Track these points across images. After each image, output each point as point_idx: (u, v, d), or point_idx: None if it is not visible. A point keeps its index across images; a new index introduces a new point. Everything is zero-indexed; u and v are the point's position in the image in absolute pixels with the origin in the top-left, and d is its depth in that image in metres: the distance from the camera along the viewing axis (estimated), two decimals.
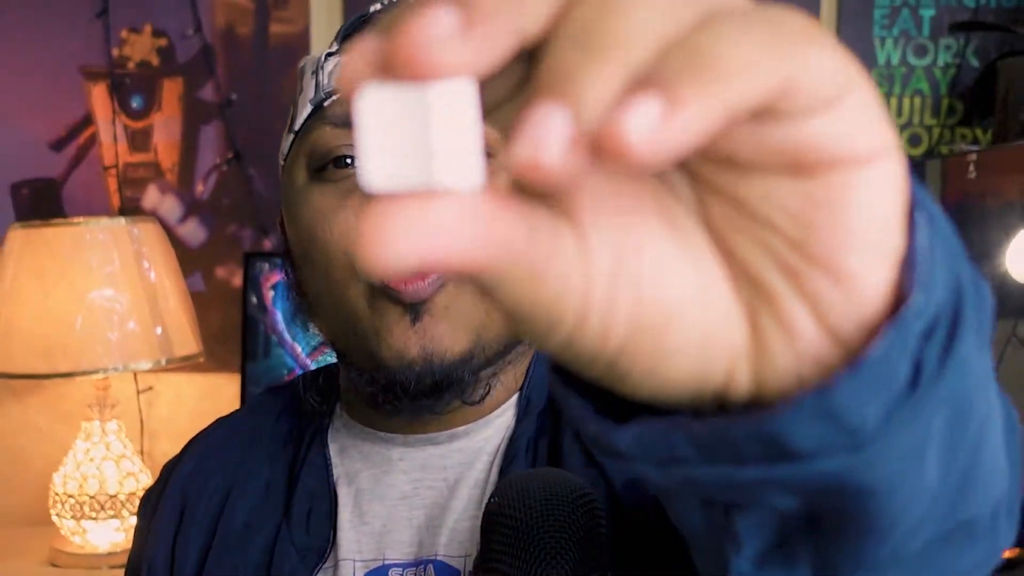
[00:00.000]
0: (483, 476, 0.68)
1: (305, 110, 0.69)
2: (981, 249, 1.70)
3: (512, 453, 0.68)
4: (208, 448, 0.77)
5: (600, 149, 0.21)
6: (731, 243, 0.27)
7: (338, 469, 0.72)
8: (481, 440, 0.70)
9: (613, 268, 0.25)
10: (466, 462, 0.69)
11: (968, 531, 0.32)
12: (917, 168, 1.84)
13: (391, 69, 0.22)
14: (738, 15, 0.23)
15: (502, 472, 0.67)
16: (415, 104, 0.22)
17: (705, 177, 0.26)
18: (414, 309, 0.65)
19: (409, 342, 0.65)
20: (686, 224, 0.27)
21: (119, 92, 1.75)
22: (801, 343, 0.27)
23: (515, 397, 0.71)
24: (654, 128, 0.21)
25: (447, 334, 0.65)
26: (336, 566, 0.68)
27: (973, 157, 1.69)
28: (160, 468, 0.81)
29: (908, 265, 0.26)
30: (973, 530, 0.33)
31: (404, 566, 0.67)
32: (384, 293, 0.65)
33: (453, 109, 0.22)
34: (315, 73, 0.70)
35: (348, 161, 0.67)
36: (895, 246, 0.26)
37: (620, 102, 0.21)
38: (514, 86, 0.26)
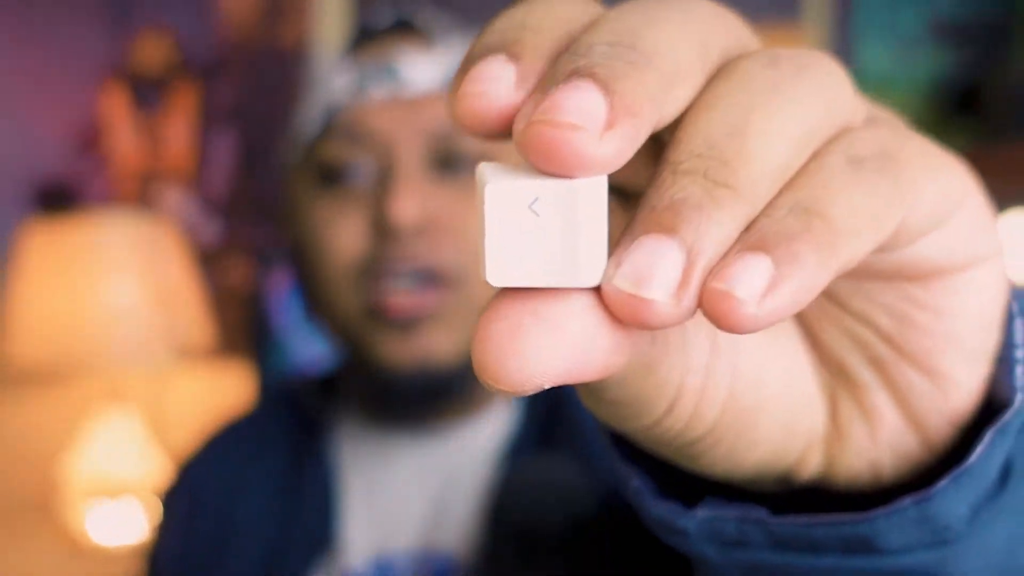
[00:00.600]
0: (483, 471, 0.68)
1: (314, 118, 0.69)
2: None
3: (510, 451, 0.68)
4: (217, 446, 0.78)
5: (703, 305, 0.19)
6: (818, 330, 0.26)
7: (344, 463, 0.72)
8: (481, 437, 0.70)
9: (711, 359, 0.24)
10: (466, 457, 0.70)
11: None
12: None
13: (524, 152, 0.19)
14: (857, 148, 0.21)
15: (501, 469, 0.67)
16: (548, 197, 0.19)
17: None
18: (409, 324, 0.64)
19: (402, 353, 0.65)
20: None
21: (135, 94, 1.76)
22: (882, 432, 0.26)
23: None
24: (762, 292, 0.19)
25: (441, 343, 0.65)
26: (341, 555, 0.68)
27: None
28: (173, 459, 0.81)
29: (1003, 360, 0.25)
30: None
31: (406, 556, 0.68)
32: (378, 312, 0.65)
33: (586, 204, 0.19)
34: (324, 83, 0.69)
35: (351, 174, 0.66)
36: (994, 346, 0.25)
37: (727, 259, 0.19)
38: None
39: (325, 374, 0.80)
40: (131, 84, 1.76)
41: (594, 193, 0.19)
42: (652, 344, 0.21)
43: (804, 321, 0.26)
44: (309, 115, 0.70)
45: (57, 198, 1.76)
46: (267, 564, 0.68)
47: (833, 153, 0.21)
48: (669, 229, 0.19)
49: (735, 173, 0.19)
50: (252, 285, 1.74)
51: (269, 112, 1.77)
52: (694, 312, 0.19)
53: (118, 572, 1.53)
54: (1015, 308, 0.25)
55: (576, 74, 0.19)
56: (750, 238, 0.19)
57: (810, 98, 0.21)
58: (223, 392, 1.75)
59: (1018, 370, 0.25)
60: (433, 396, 0.67)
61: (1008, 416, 0.24)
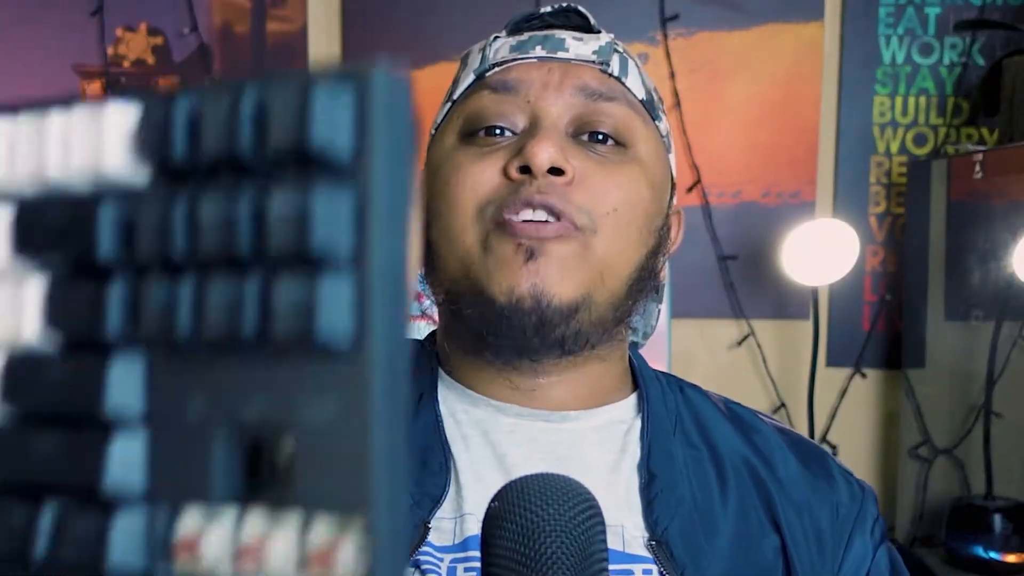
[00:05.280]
0: (591, 459, 0.64)
1: (467, 79, 0.67)
2: (987, 250, 1.37)
3: (627, 446, 0.65)
4: None
5: None
6: None
7: (451, 430, 0.66)
8: (589, 427, 0.66)
9: None
10: (572, 443, 0.65)
11: None
12: (923, 168, 1.49)
13: None
14: None
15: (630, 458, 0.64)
16: None
17: None
18: (529, 250, 0.59)
19: (520, 278, 0.59)
20: None
21: (114, 91, 1.42)
22: None
23: (631, 397, 0.68)
24: None
25: (557, 279, 0.60)
26: (462, 518, 0.62)
27: (979, 157, 1.38)
28: None
29: None
30: None
31: None
32: (502, 229, 0.60)
33: None
34: (482, 49, 0.67)
35: (498, 131, 0.63)
36: None
37: None
38: None
39: (423, 343, 0.73)
40: (111, 80, 1.43)
41: None
42: None
43: None
44: (463, 79, 0.67)
45: None
46: None
47: None
48: None
49: None
50: None
51: None
52: None
53: None
54: None
55: None
56: None
57: None
58: None
59: None
60: (541, 332, 0.61)
61: None
